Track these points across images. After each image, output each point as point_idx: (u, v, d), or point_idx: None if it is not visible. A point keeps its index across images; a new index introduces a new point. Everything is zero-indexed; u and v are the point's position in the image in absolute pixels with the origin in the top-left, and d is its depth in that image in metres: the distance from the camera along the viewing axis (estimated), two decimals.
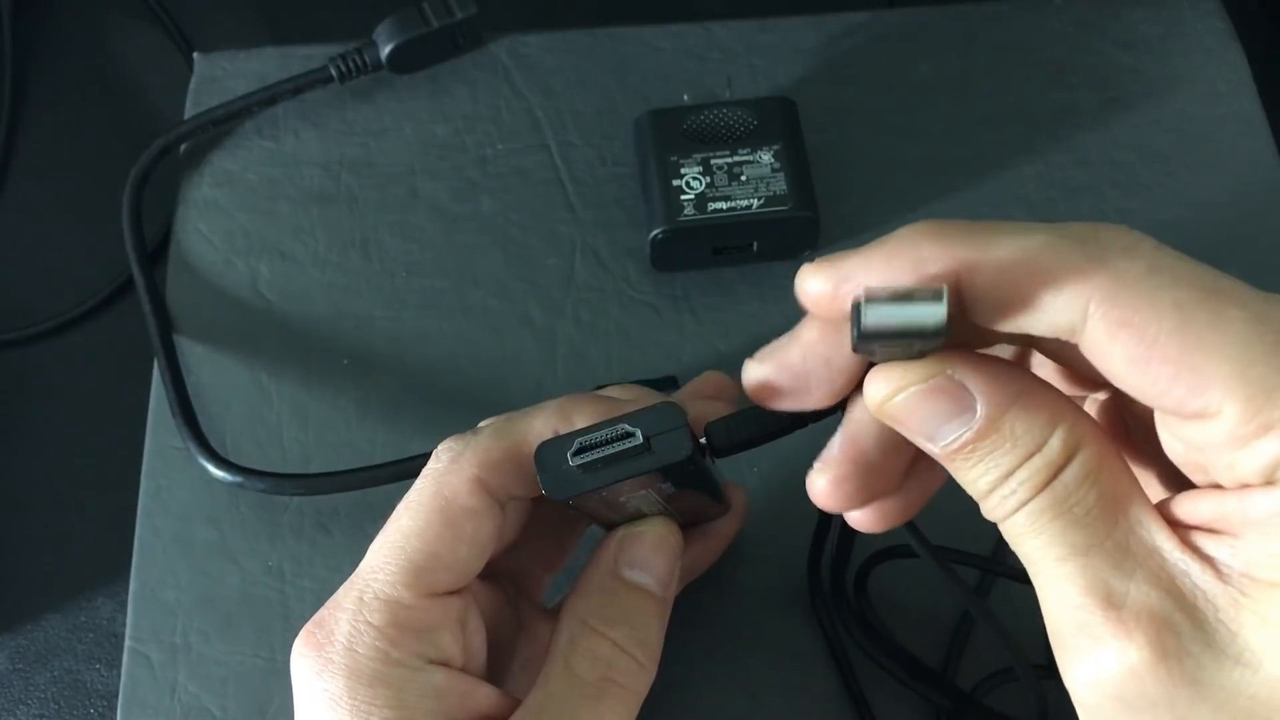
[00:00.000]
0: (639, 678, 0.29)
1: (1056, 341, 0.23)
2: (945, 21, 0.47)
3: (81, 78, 0.51)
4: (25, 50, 0.52)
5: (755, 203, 0.40)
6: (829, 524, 0.34)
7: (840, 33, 0.47)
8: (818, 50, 0.46)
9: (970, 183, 0.44)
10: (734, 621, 0.37)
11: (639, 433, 0.27)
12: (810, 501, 0.32)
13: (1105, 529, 0.22)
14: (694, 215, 0.40)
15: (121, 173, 0.45)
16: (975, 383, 0.23)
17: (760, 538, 0.37)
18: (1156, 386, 0.21)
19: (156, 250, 0.45)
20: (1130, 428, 0.26)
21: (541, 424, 0.29)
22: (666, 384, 0.39)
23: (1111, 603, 0.21)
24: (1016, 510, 0.22)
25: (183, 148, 0.45)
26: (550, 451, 0.27)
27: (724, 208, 0.40)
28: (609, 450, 0.27)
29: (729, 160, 0.41)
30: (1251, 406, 0.20)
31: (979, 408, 0.23)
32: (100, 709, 0.40)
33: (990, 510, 0.23)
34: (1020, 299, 0.22)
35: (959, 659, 0.36)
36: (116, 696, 0.37)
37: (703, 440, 0.28)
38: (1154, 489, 0.26)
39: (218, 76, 0.47)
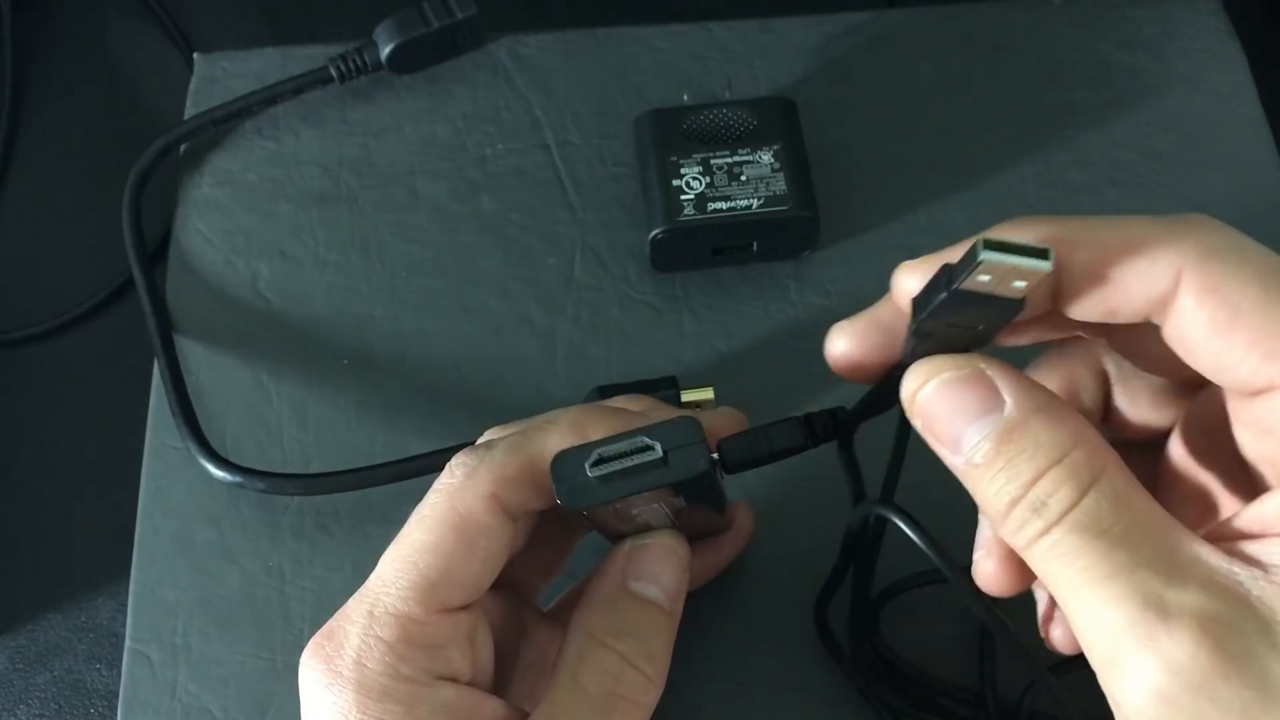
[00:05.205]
0: (647, 692, 0.29)
1: (1137, 330, 0.24)
2: (945, 21, 0.47)
3: (81, 78, 0.51)
4: (25, 50, 0.52)
5: (755, 203, 0.40)
6: (844, 571, 0.34)
7: (840, 33, 0.47)
8: (818, 50, 0.46)
9: (970, 183, 0.44)
10: (737, 625, 0.37)
11: (658, 446, 0.27)
12: (809, 507, 0.32)
13: (1149, 546, 0.22)
14: (694, 215, 0.40)
15: (121, 173, 0.44)
16: (1006, 383, 0.23)
17: (764, 538, 0.37)
18: (1234, 354, 0.22)
19: (156, 250, 0.45)
20: (1210, 438, 0.26)
21: (557, 440, 0.29)
22: (666, 384, 0.39)
23: (1168, 614, 0.21)
24: (1051, 527, 0.22)
25: (183, 148, 0.45)
26: (568, 462, 0.27)
27: (724, 208, 0.40)
28: (627, 463, 0.27)
29: (729, 160, 0.41)
30: None
31: (1007, 406, 0.23)
32: (100, 709, 0.40)
33: (1015, 530, 0.23)
34: (1115, 271, 0.23)
35: (994, 677, 0.35)
36: (116, 696, 0.37)
37: (715, 455, 0.28)
38: (1228, 497, 0.26)
39: (218, 76, 0.47)
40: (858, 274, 0.42)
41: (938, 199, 0.44)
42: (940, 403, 0.24)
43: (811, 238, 0.42)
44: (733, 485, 0.37)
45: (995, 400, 0.23)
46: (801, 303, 0.42)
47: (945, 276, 0.23)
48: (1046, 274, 0.21)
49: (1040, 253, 0.21)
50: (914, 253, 0.42)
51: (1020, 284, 0.22)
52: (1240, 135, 0.45)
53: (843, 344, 0.27)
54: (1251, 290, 0.22)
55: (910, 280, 0.25)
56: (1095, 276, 0.23)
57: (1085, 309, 0.24)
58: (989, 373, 0.24)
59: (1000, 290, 0.22)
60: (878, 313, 0.27)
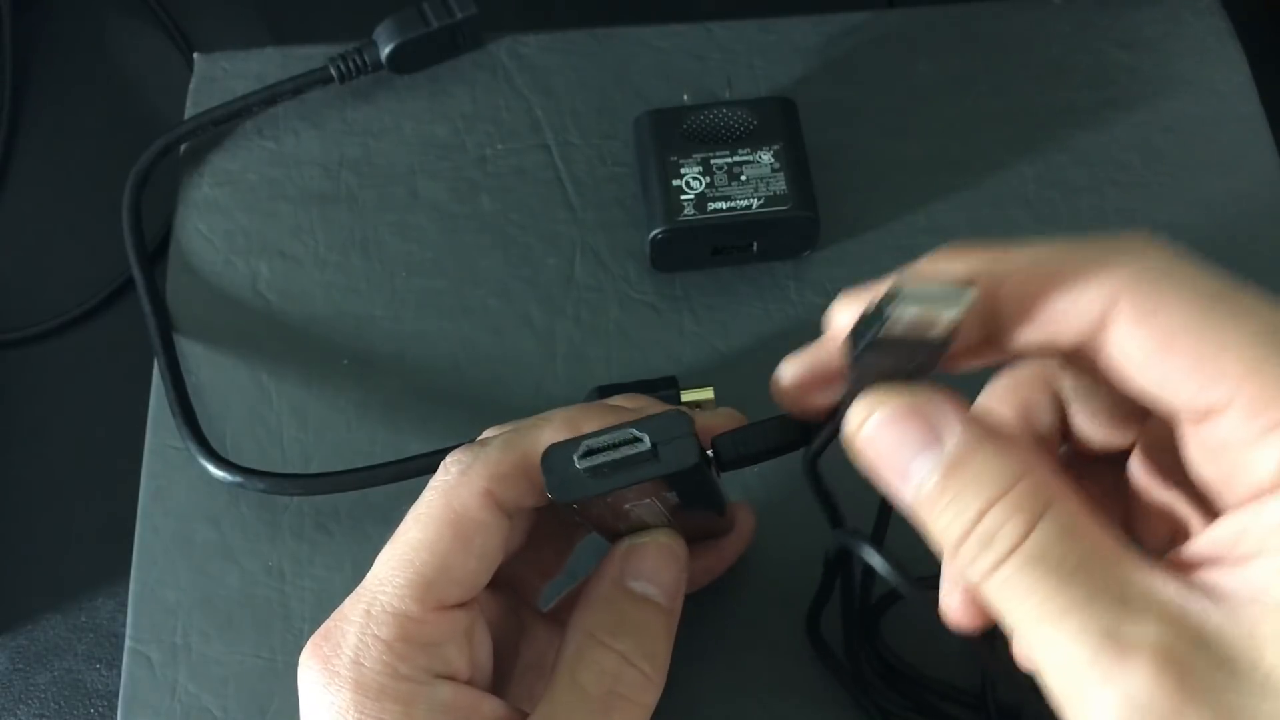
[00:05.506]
0: (646, 691, 0.29)
1: (1077, 351, 0.23)
2: (945, 21, 0.47)
3: (81, 78, 0.51)
4: (25, 50, 0.52)
5: (755, 203, 0.40)
6: (833, 581, 0.34)
7: (840, 33, 0.47)
8: (818, 50, 0.46)
9: (970, 183, 0.44)
10: (738, 625, 0.37)
11: (647, 438, 0.27)
12: (810, 508, 0.32)
13: (1102, 580, 0.21)
14: (694, 215, 0.40)
15: (121, 173, 0.44)
16: (949, 414, 0.23)
17: (765, 539, 0.37)
18: (1172, 380, 0.22)
19: (156, 250, 0.45)
20: (1171, 456, 0.26)
21: (550, 435, 0.29)
22: (666, 384, 0.39)
23: (1126, 649, 0.20)
24: (1002, 562, 0.22)
25: (183, 148, 0.45)
26: (557, 454, 0.27)
27: (724, 208, 0.40)
28: (616, 455, 0.27)
29: (729, 160, 0.41)
30: (1260, 402, 0.20)
31: (951, 439, 0.23)
32: (100, 709, 0.40)
33: (967, 564, 0.22)
34: (1049, 299, 0.23)
35: (995, 680, 0.35)
36: (116, 696, 0.37)
37: (710, 452, 0.28)
38: (1194, 515, 0.26)
39: (218, 76, 0.47)
40: (858, 274, 0.42)
41: (938, 199, 0.44)
42: (884, 437, 0.23)
43: (811, 238, 0.42)
44: (733, 486, 0.38)
45: (939, 433, 0.23)
46: (801, 303, 0.42)
47: (867, 320, 0.22)
48: (963, 315, 0.21)
49: (955, 295, 0.21)
50: (914, 253, 0.42)
51: (941, 326, 0.21)
52: (1240, 135, 0.45)
53: (788, 376, 0.26)
54: (1189, 314, 0.21)
55: (845, 314, 0.25)
56: (1026, 307, 0.23)
57: (1020, 339, 0.23)
58: (931, 404, 0.23)
59: (922, 334, 0.22)
60: (819, 350, 0.26)
